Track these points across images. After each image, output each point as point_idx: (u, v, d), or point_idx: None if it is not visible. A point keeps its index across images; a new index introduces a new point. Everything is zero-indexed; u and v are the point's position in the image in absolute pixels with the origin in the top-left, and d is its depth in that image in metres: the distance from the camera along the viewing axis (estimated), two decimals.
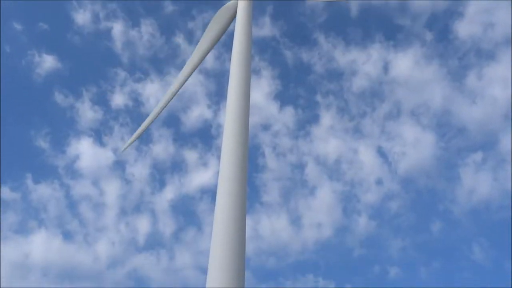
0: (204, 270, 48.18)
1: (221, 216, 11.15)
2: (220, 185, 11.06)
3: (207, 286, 9.96)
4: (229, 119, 10.31)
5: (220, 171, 10.97)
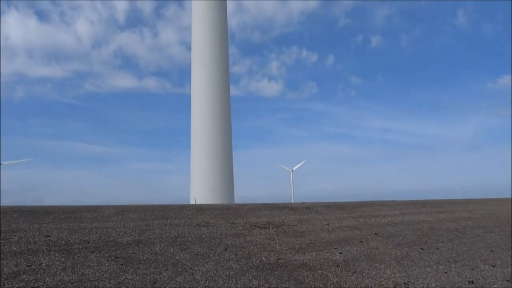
0: (188, 47, 49.70)
1: None
2: None
3: None
4: None
5: None
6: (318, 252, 10.97)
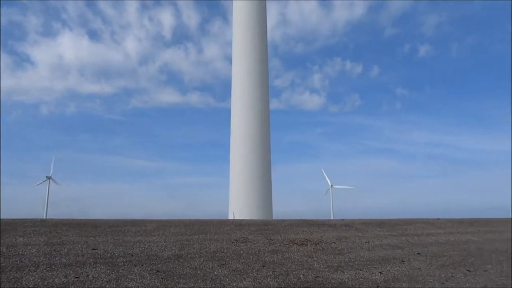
0: (231, 61, 50.42)
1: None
2: None
3: None
4: None
5: None
6: (357, 271, 10.78)
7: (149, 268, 9.55)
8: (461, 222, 24.11)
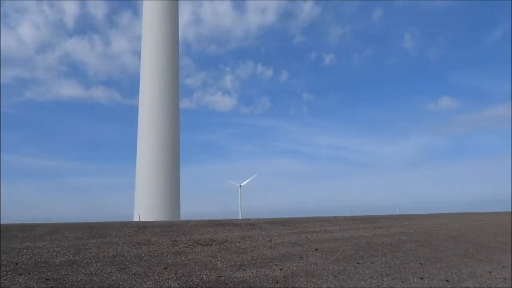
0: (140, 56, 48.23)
1: None
2: None
3: None
4: None
5: None
6: (259, 269, 11.12)
7: (36, 277, 8.73)
8: (354, 219, 26.27)
